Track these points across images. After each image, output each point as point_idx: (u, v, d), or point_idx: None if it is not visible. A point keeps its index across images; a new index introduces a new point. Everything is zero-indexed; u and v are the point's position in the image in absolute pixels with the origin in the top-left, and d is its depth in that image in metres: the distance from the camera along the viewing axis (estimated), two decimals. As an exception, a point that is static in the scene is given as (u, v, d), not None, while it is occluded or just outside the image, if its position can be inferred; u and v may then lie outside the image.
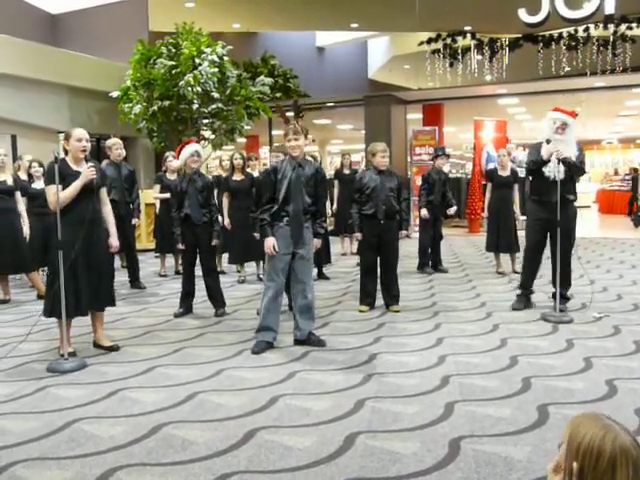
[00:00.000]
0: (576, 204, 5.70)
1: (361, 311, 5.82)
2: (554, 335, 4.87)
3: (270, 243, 4.53)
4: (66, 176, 4.28)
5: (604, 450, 1.35)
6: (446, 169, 8.87)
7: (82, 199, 4.31)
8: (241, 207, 7.14)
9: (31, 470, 2.72)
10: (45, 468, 2.74)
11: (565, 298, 5.71)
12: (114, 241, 4.62)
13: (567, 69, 12.65)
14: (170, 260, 8.61)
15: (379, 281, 5.99)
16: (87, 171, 4.30)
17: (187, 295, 5.87)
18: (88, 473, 2.68)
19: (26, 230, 6.61)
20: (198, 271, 5.83)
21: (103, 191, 4.62)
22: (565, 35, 12.40)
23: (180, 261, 7.09)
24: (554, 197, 5.26)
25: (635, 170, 19.14)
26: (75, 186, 4.27)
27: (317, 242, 4.75)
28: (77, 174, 4.32)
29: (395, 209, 5.86)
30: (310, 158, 7.51)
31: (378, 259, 5.92)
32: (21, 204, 6.59)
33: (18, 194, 6.57)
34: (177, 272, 8.02)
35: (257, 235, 5.54)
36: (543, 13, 8.46)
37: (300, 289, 4.66)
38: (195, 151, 5.80)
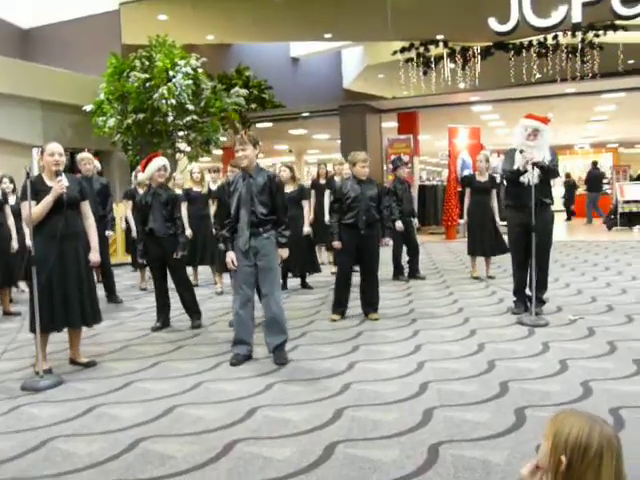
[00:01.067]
0: (552, 208, 5.78)
1: (333, 320, 5.80)
2: (530, 338, 4.93)
3: (229, 258, 4.56)
4: (39, 192, 4.24)
5: (591, 443, 1.40)
6: (424, 176, 8.98)
7: (54, 214, 4.26)
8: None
9: (5, 491, 2.68)
10: (20, 488, 2.70)
11: (541, 302, 5.77)
12: (93, 256, 4.54)
13: (538, 76, 12.87)
14: (149, 273, 8.57)
15: (359, 289, 6.00)
16: (56, 185, 4.25)
17: (162, 307, 5.82)
18: (64, 492, 2.64)
19: (14, 244, 6.55)
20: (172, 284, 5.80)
21: (85, 204, 4.54)
22: (535, 43, 12.63)
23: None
24: (530, 202, 5.32)
25: (568, 176, 19.47)
26: (46, 201, 4.22)
27: (282, 252, 4.60)
28: (50, 189, 4.27)
29: (375, 218, 5.86)
30: (285, 168, 7.59)
31: (354, 268, 5.95)
32: (11, 218, 6.55)
33: (8, 208, 6.56)
34: (141, 289, 8.03)
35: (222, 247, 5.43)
36: (512, 22, 8.62)
37: (264, 302, 4.61)
38: (162, 165, 5.76)
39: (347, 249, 5.85)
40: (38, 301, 4.12)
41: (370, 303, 5.90)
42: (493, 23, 8.87)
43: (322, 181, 8.77)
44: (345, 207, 5.83)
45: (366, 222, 5.77)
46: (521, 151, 5.48)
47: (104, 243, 7.18)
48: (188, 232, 7.26)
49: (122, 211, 9.14)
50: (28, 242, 6.62)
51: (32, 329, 4.25)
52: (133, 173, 8.22)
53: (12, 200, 7.07)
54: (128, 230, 8.25)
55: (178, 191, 7.64)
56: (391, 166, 8.89)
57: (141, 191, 7.91)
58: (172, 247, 5.69)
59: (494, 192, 8.08)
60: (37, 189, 4.24)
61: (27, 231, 6.47)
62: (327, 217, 7.71)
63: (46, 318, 4.20)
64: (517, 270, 5.86)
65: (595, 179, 17.00)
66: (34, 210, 4.17)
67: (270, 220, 4.53)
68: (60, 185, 4.24)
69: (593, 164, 17.89)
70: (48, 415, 3.57)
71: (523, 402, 3.49)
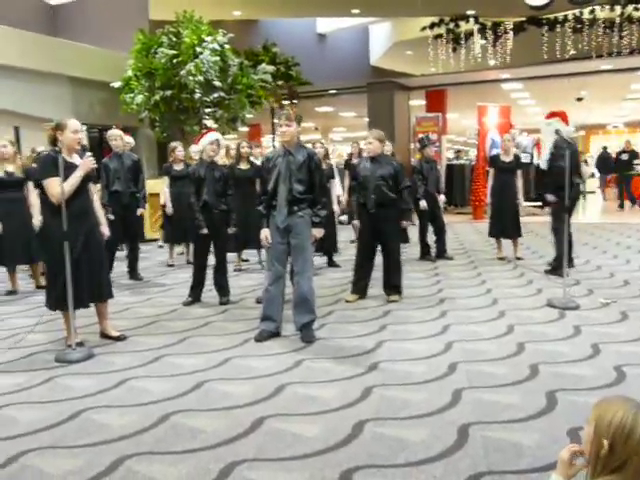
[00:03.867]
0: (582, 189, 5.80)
1: (347, 301, 5.74)
2: (561, 321, 4.86)
3: (263, 234, 4.55)
4: (63, 168, 4.26)
5: (636, 427, 1.38)
6: (450, 155, 8.88)
7: (82, 190, 4.30)
8: (245, 195, 7.10)
9: (43, 458, 2.74)
10: (56, 456, 2.76)
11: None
12: (105, 230, 4.62)
13: (572, 52, 12.52)
14: (178, 249, 8.65)
15: (382, 270, 5.94)
16: (87, 161, 4.28)
17: (198, 284, 5.86)
18: (99, 461, 2.69)
19: (35, 221, 6.60)
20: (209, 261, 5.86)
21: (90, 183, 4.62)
22: (570, 18, 12.25)
23: (191, 250, 7.11)
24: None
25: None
26: (76, 176, 4.24)
27: (317, 232, 4.55)
28: (71, 166, 4.28)
29: (388, 197, 5.66)
30: (320, 145, 7.54)
31: (376, 249, 5.88)
32: (33, 195, 6.58)
33: (30, 185, 6.56)
34: (188, 262, 8.02)
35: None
36: (548, -5, 8.39)
37: (295, 280, 4.62)
38: (215, 139, 5.81)
39: (363, 229, 5.81)
40: (55, 278, 4.20)
41: (388, 285, 5.82)
42: (527, -4, 8.64)
43: (355, 160, 8.74)
44: (359, 186, 5.79)
45: (375, 201, 5.65)
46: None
47: (136, 219, 7.25)
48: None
49: (153, 187, 9.21)
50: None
51: (54, 307, 4.34)
52: (175, 145, 8.15)
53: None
54: (163, 206, 8.25)
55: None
56: (418, 145, 8.79)
57: (177, 167, 7.98)
58: (222, 222, 5.75)
59: (519, 172, 7.93)
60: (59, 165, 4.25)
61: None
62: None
63: (61, 296, 4.23)
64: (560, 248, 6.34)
65: (604, 161, 17.40)
66: (65, 185, 4.18)
67: (306, 198, 4.51)
68: (91, 160, 4.26)
69: (603, 148, 18.59)
70: (81, 386, 3.64)
71: (554, 385, 3.45)
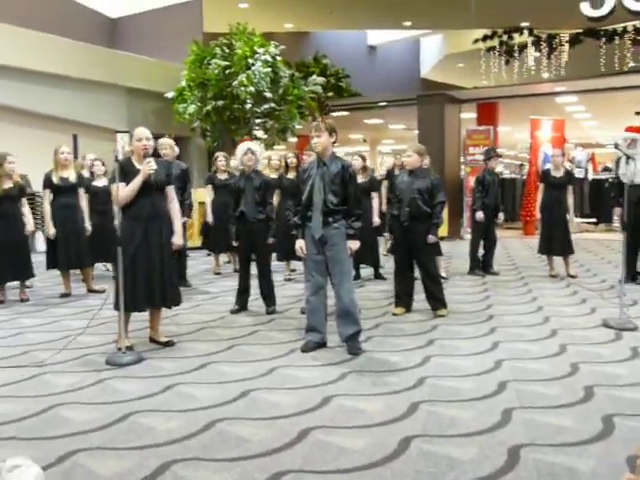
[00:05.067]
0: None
1: (394, 314, 5.70)
2: (617, 342, 4.68)
3: (298, 246, 4.55)
4: (128, 174, 4.38)
5: None
6: (498, 169, 8.73)
7: (142, 196, 4.38)
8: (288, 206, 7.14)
9: (92, 459, 2.79)
10: (105, 457, 2.80)
11: None
12: (177, 239, 4.62)
13: (631, 65, 12.15)
14: (224, 258, 8.75)
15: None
16: (145, 166, 4.37)
17: (243, 292, 5.92)
18: (146, 465, 2.72)
19: (87, 226, 6.81)
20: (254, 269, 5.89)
21: (170, 188, 4.65)
22: (630, 29, 11.91)
23: (237, 259, 7.18)
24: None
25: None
26: (135, 182, 4.35)
27: (352, 243, 4.45)
28: (139, 172, 4.39)
29: (422, 211, 5.60)
30: (357, 157, 7.52)
31: (413, 261, 5.80)
32: (84, 200, 6.80)
33: (81, 191, 6.79)
34: (235, 270, 8.10)
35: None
36: (608, 6, 8.11)
37: (335, 292, 4.58)
38: (248, 149, 5.84)
39: (397, 242, 5.78)
40: (123, 281, 4.27)
41: (431, 298, 5.74)
42: (585, 8, 8.39)
43: (397, 172, 8.62)
44: (395, 199, 5.77)
45: (409, 214, 5.60)
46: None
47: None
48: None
49: (203, 196, 9.36)
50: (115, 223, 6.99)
51: (117, 307, 4.41)
52: (217, 155, 8.31)
53: (103, 182, 7.37)
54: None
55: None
56: (483, 156, 8.66)
57: (221, 176, 8.11)
58: (260, 232, 5.77)
59: (570, 188, 7.72)
60: (127, 171, 4.37)
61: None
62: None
63: (129, 298, 4.34)
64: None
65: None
66: (123, 191, 4.31)
67: (341, 210, 4.47)
68: (149, 166, 4.35)
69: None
70: (130, 390, 3.70)
71: (611, 409, 3.31)
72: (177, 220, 4.67)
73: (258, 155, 5.95)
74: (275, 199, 7.35)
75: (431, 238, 5.65)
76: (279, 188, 7.40)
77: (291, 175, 7.41)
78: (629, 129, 6.13)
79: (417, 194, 5.60)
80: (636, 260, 7.04)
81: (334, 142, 4.53)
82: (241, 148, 5.92)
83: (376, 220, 7.56)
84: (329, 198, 4.42)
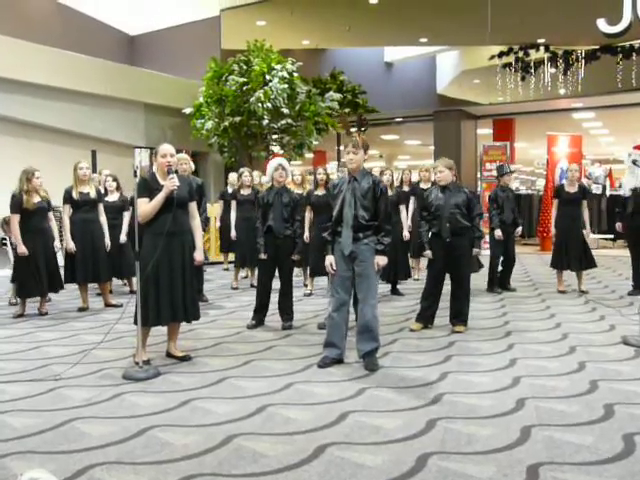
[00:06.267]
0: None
1: (412, 329, 5.67)
2: (637, 360, 4.62)
3: (328, 261, 4.55)
4: (153, 190, 4.42)
5: None
6: (514, 185, 8.72)
7: (164, 212, 4.41)
8: (322, 221, 7.11)
9: (109, 473, 2.80)
10: (122, 472, 2.81)
11: None
12: (199, 254, 4.68)
13: (649, 81, 12.12)
14: (242, 273, 8.77)
15: (450, 299, 5.83)
16: (168, 182, 4.41)
17: (262, 307, 5.92)
18: (163, 479, 2.73)
19: (107, 241, 6.88)
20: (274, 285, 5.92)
21: (192, 205, 4.68)
22: (647, 45, 11.91)
23: (256, 274, 7.19)
24: None
25: None
26: (158, 198, 4.39)
27: (380, 259, 4.43)
28: (162, 188, 4.43)
29: (462, 225, 5.63)
30: (386, 172, 7.54)
31: (445, 278, 5.79)
32: (103, 216, 6.88)
33: (101, 206, 6.88)
34: (252, 285, 8.11)
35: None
36: (625, 22, 8.10)
37: (359, 308, 4.57)
38: (279, 164, 5.89)
39: (435, 259, 5.73)
40: (143, 295, 4.30)
41: (457, 314, 5.70)
42: (602, 24, 8.38)
43: (405, 188, 8.56)
44: (430, 216, 5.74)
45: (450, 230, 5.59)
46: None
47: None
48: (306, 235, 7.18)
49: (216, 211, 9.43)
50: (123, 238, 7.06)
51: (137, 321, 4.43)
52: (242, 171, 8.41)
53: (114, 197, 7.44)
54: (222, 229, 8.46)
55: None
56: (496, 172, 8.65)
57: (244, 192, 8.16)
58: (286, 248, 5.78)
59: (584, 203, 7.68)
60: (151, 187, 4.42)
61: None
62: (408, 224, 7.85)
63: (152, 312, 4.37)
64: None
65: None
66: (147, 207, 4.35)
67: (371, 226, 4.47)
68: (172, 182, 4.39)
69: None
70: (147, 404, 3.71)
71: (632, 428, 3.26)
72: (199, 236, 4.71)
73: (288, 171, 5.99)
74: (307, 215, 7.33)
75: (476, 251, 5.75)
76: (308, 204, 7.39)
77: (320, 192, 7.33)
78: (638, 147, 6.34)
79: (456, 209, 5.62)
80: None
81: (365, 159, 4.58)
82: (272, 164, 5.96)
83: (406, 234, 7.57)
84: (360, 213, 4.44)
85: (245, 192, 8.12)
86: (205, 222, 7.53)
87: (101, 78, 12.41)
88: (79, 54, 12.42)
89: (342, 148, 15.93)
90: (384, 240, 4.47)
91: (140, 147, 11.75)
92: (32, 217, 6.36)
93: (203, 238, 7.78)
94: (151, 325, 4.49)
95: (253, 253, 6.49)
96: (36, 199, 6.38)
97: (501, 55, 14.14)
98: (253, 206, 7.31)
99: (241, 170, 8.40)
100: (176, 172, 4.58)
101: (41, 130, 11.63)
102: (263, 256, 5.81)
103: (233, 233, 8.14)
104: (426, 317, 5.77)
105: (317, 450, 3.02)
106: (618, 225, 7.82)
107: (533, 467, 2.82)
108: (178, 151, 7.28)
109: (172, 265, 4.45)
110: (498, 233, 7.73)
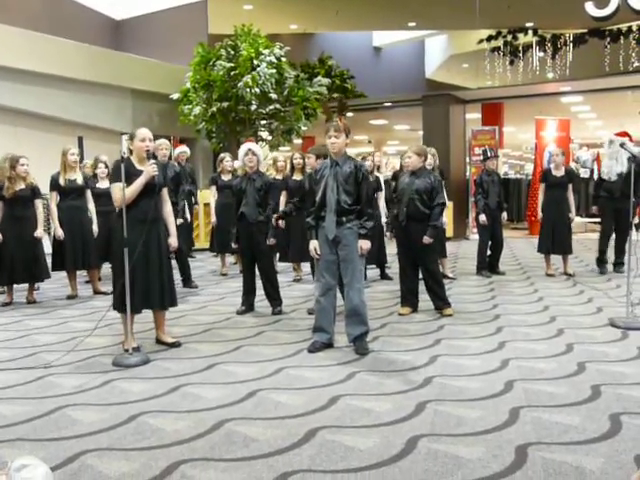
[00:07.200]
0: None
1: (400, 314, 5.70)
2: (624, 342, 4.67)
3: (312, 246, 4.56)
4: (130, 175, 4.38)
5: None
6: (502, 170, 8.76)
7: (144, 197, 4.40)
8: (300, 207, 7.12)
9: (101, 460, 2.80)
10: (113, 458, 2.81)
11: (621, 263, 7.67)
12: (173, 241, 4.69)
13: (636, 64, 12.12)
14: (231, 259, 8.75)
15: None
16: (149, 168, 4.38)
17: (248, 293, 5.92)
18: (154, 465, 2.73)
19: (95, 228, 6.83)
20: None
21: (164, 191, 4.69)
22: (635, 28, 11.88)
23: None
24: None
25: None
26: (138, 183, 4.36)
27: (363, 243, 4.44)
28: (141, 173, 4.41)
29: (420, 212, 5.61)
30: (369, 159, 7.52)
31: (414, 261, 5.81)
32: (91, 203, 6.82)
33: (89, 193, 6.81)
34: (241, 271, 8.06)
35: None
36: (612, 6, 8.11)
37: (345, 291, 4.58)
38: (248, 149, 5.84)
39: (398, 241, 5.84)
40: (122, 282, 4.27)
41: (435, 300, 5.75)
42: (590, 7, 8.37)
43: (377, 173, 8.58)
44: (396, 199, 5.82)
45: (407, 214, 5.63)
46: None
47: (178, 230, 7.31)
48: (280, 222, 7.12)
49: (207, 197, 9.39)
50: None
51: (115, 307, 4.45)
52: (223, 156, 8.36)
53: (106, 184, 7.36)
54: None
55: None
56: (481, 157, 8.65)
57: (225, 177, 8.13)
58: (261, 233, 5.75)
59: (570, 187, 7.72)
60: (129, 172, 4.38)
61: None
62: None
63: (119, 298, 4.34)
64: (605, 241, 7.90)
65: None
66: (126, 191, 4.30)
67: (354, 210, 4.48)
68: (153, 168, 4.37)
69: None
70: (137, 390, 3.71)
71: (618, 408, 3.30)
72: (171, 222, 4.72)
73: (259, 156, 5.94)
74: (282, 200, 7.34)
75: (426, 239, 5.59)
76: (285, 190, 7.38)
77: (297, 177, 7.36)
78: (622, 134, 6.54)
79: (416, 194, 5.63)
80: (607, 246, 8.01)
81: (347, 143, 4.55)
82: (242, 149, 5.93)
83: (384, 220, 7.57)
84: (342, 198, 4.44)
85: (226, 177, 8.08)
86: (182, 210, 7.25)
87: (87, 64, 12.24)
88: (65, 39, 12.23)
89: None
90: (366, 224, 4.47)
91: (127, 133, 11.65)
92: (13, 205, 6.29)
93: (192, 224, 7.80)
94: (124, 312, 4.40)
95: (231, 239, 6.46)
96: (19, 186, 6.30)
97: (489, 39, 14.11)
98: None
99: (222, 155, 8.36)
100: (155, 157, 4.55)
101: (26, 116, 11.48)
102: (234, 245, 5.86)
103: (213, 219, 8.10)
104: (410, 301, 5.79)
105: (308, 434, 3.04)
106: (594, 208, 8.17)
107: (522, 447, 2.85)
108: (168, 138, 7.22)
109: (148, 252, 4.43)
110: (482, 218, 7.75)
